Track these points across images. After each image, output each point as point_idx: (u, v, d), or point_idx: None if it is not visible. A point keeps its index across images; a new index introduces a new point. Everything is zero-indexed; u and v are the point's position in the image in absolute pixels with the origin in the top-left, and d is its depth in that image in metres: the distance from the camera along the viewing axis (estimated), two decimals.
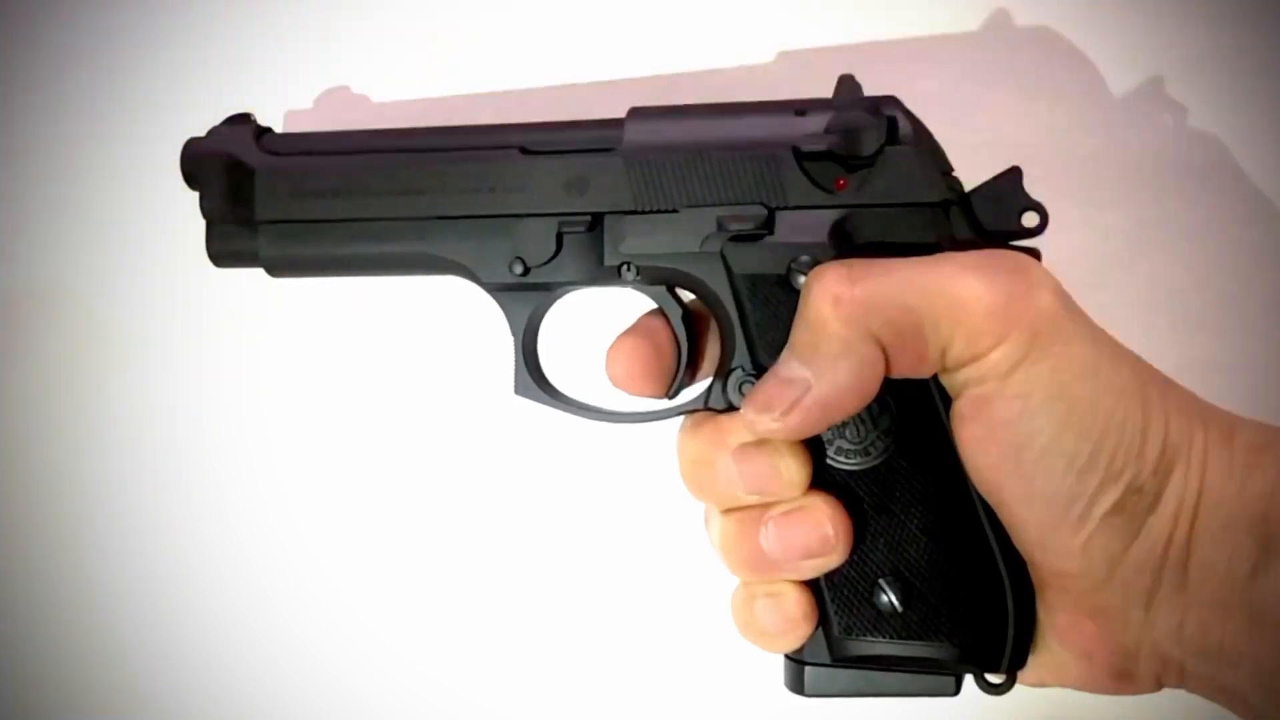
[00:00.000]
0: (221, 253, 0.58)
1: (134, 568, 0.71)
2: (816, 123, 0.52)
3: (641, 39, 0.68)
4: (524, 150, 0.55)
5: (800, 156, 0.52)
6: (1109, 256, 0.66)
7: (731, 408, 0.53)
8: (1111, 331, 0.48)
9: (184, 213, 0.58)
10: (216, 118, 0.60)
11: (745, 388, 0.52)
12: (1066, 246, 0.52)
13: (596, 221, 0.54)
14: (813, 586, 0.52)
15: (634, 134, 0.54)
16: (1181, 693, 0.49)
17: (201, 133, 0.58)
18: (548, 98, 0.68)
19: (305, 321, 0.70)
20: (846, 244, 0.52)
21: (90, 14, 0.71)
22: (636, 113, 0.55)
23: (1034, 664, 0.51)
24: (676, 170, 0.53)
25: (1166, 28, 0.66)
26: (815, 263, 0.50)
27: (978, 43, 0.67)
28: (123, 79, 0.71)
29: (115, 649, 0.72)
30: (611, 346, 0.56)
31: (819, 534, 0.50)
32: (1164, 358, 0.48)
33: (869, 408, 0.50)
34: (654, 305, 0.57)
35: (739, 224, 0.52)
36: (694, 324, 0.58)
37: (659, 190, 0.53)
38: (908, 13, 0.67)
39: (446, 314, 0.69)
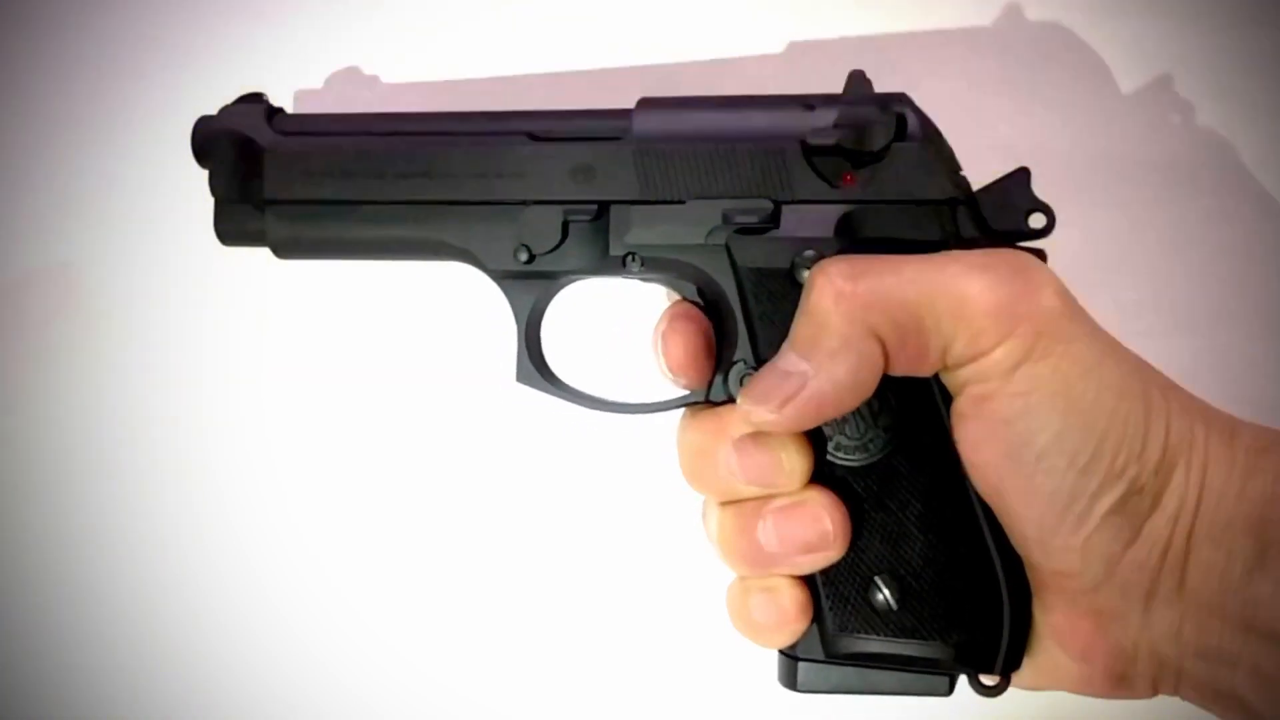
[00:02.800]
0: (229, 231, 0.58)
1: (133, 561, 0.71)
2: (825, 117, 0.52)
3: (653, 29, 0.68)
4: (532, 136, 0.55)
5: (808, 151, 0.52)
6: (1110, 257, 0.66)
7: (732, 400, 0.53)
8: (1111, 332, 0.47)
9: (192, 192, 0.58)
10: (227, 97, 0.60)
11: (747, 381, 0.52)
12: (1068, 246, 0.51)
13: (602, 210, 0.54)
14: (808, 582, 0.52)
15: (643, 124, 0.54)
16: (1178, 700, 0.49)
17: (213, 111, 0.58)
18: (557, 85, 0.68)
19: (307, 309, 0.70)
20: (852, 239, 0.52)
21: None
22: (646, 103, 0.55)
23: (1031, 666, 0.50)
24: (684, 161, 0.53)
25: (1171, 28, 0.66)
26: (820, 257, 0.50)
27: (987, 41, 0.67)
28: (133, 57, 0.71)
29: (115, 643, 0.71)
30: (664, 335, 0.55)
31: (817, 529, 0.50)
32: (1163, 358, 0.48)
33: (869, 404, 0.50)
34: (658, 296, 0.57)
35: (745, 217, 0.52)
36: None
37: (666, 181, 0.53)
38: (918, 10, 0.66)
39: (449, 302, 0.69)
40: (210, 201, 0.58)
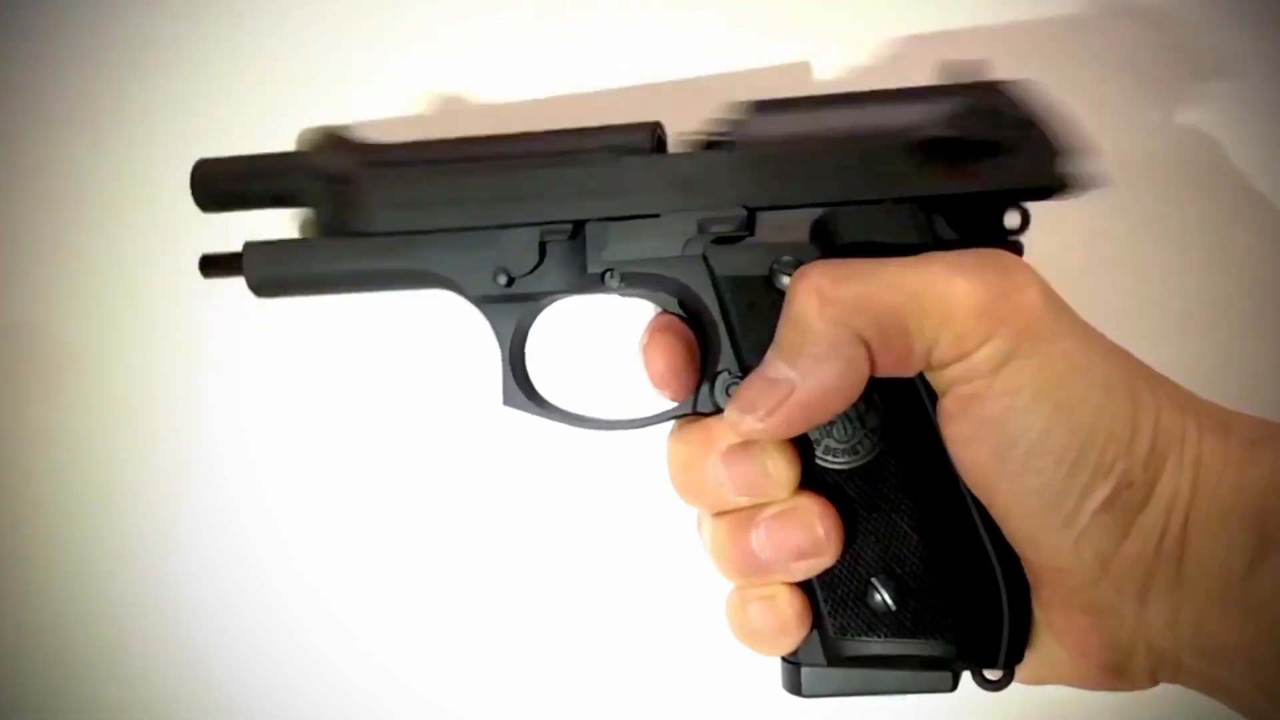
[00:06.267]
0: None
1: (134, 574, 0.72)
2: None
3: (638, 46, 0.68)
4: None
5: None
6: (1106, 256, 0.65)
7: (719, 411, 0.52)
8: (1107, 331, 0.47)
9: (183, 218, 0.58)
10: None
11: (732, 390, 0.52)
12: (1064, 246, 0.51)
13: (578, 229, 0.54)
14: (806, 588, 0.52)
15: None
16: (1177, 689, 0.49)
17: (202, 154, 0.58)
18: (527, 110, 0.67)
19: (296, 335, 0.71)
20: (829, 243, 0.51)
21: (60, 41, 0.71)
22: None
23: (1030, 661, 0.50)
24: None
25: (1167, 27, 0.65)
26: (798, 263, 0.50)
27: (975, 42, 0.66)
28: (119, 93, 0.71)
29: (114, 656, 0.72)
30: (646, 348, 0.56)
31: (810, 535, 0.50)
32: (1161, 358, 0.47)
33: (856, 406, 0.50)
34: (643, 311, 0.57)
35: (720, 226, 0.52)
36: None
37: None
38: (902, 11, 0.66)
39: (435, 325, 0.69)
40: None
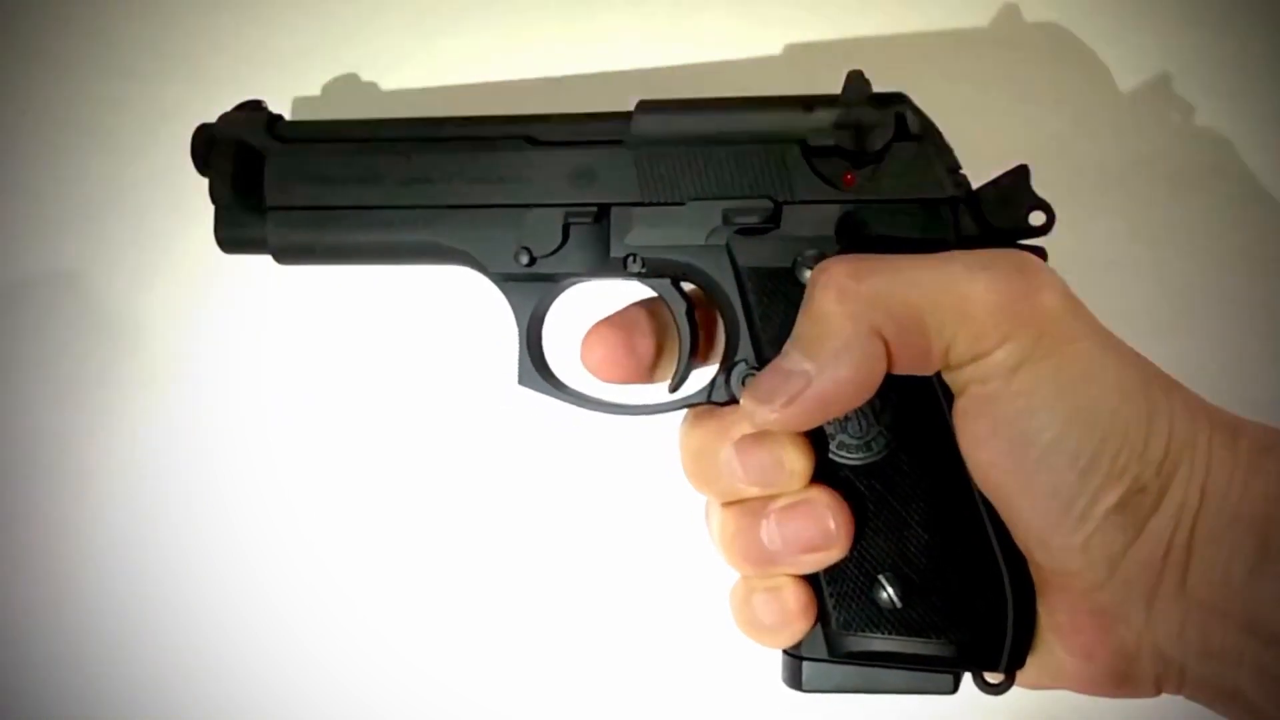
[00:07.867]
0: (230, 239, 0.58)
1: (135, 564, 0.71)
2: (825, 118, 0.52)
3: (650, 32, 0.68)
4: (532, 141, 0.55)
5: (808, 151, 0.52)
6: (1110, 256, 0.66)
7: (734, 401, 0.53)
8: (1114, 331, 0.47)
9: (192, 199, 0.58)
10: (227, 104, 0.60)
11: (748, 381, 0.52)
12: (1068, 246, 0.52)
13: (603, 213, 0.54)
14: (812, 581, 0.52)
15: (642, 126, 0.54)
16: (1180, 699, 0.49)
17: (212, 118, 0.59)
18: (555, 89, 0.68)
19: (310, 313, 0.71)
20: (853, 239, 0.52)
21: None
22: (645, 105, 0.55)
23: (1034, 665, 0.50)
24: (683, 163, 0.53)
25: (1171, 28, 0.66)
26: (821, 257, 0.50)
27: (985, 41, 0.67)
28: (133, 63, 0.71)
29: (115, 646, 0.71)
30: (588, 333, 0.56)
31: (820, 528, 0.50)
32: (1164, 358, 0.48)
33: (872, 403, 0.50)
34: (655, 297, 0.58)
35: (745, 217, 0.52)
36: (695, 318, 0.58)
37: (666, 183, 0.54)
38: (916, 10, 0.67)
39: (451, 303, 0.69)
40: (211, 208, 0.58)
